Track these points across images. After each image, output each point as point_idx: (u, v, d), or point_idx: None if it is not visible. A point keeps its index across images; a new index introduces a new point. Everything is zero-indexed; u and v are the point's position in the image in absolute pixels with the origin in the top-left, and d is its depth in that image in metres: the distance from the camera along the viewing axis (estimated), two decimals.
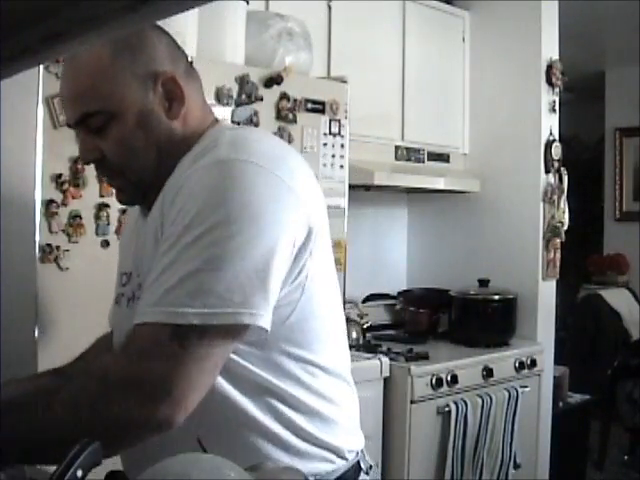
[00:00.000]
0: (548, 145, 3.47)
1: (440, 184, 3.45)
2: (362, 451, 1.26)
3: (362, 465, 1.24)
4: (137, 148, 1.14)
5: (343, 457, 1.19)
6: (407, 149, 3.42)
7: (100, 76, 1.11)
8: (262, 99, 2.37)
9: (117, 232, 2.03)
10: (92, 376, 1.04)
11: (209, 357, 1.00)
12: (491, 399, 3.00)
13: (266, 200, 1.03)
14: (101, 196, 2.01)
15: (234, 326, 1.00)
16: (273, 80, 2.39)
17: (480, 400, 2.96)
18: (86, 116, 1.12)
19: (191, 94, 1.17)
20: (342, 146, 2.60)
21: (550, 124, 3.50)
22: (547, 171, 3.48)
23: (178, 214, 1.04)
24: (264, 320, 1.02)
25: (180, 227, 1.02)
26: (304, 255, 1.08)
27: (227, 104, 2.28)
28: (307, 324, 1.12)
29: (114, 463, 1.22)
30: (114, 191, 1.24)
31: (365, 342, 3.19)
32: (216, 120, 1.23)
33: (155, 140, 1.14)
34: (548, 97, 3.50)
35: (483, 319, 3.37)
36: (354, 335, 3.15)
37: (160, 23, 1.16)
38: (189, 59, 1.25)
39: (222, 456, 1.08)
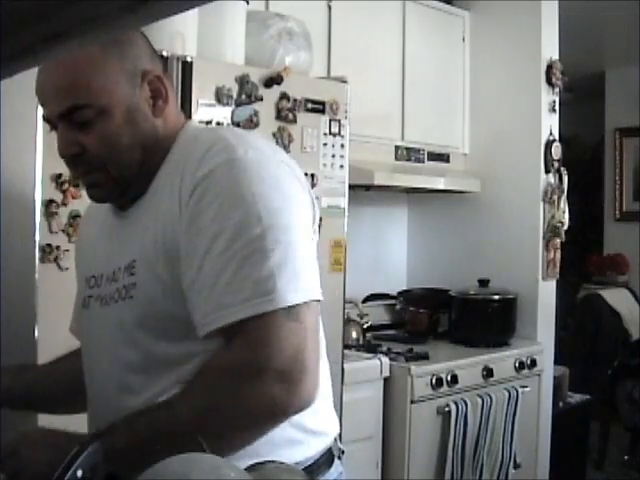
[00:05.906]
0: (548, 145, 3.48)
1: (440, 184, 3.45)
2: (335, 438, 1.27)
3: (334, 451, 1.25)
4: (123, 144, 1.14)
5: (322, 441, 1.21)
6: (407, 149, 3.42)
7: (92, 70, 1.11)
8: (262, 99, 2.36)
9: None
10: (214, 374, 1.04)
11: (317, 328, 1.09)
12: (491, 399, 3.00)
13: (289, 189, 1.12)
14: None
15: (316, 302, 1.09)
16: (273, 80, 2.39)
17: (480, 400, 2.96)
18: (73, 109, 1.12)
19: (170, 94, 1.20)
20: (342, 146, 2.60)
21: (550, 124, 3.50)
22: (547, 171, 3.48)
23: (214, 220, 1.05)
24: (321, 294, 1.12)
25: (231, 231, 1.04)
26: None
27: (227, 104, 2.28)
28: None
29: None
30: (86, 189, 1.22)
31: (365, 342, 3.19)
32: (185, 119, 1.26)
33: (141, 137, 1.15)
34: (548, 97, 3.50)
35: (483, 319, 3.37)
36: (354, 335, 3.14)
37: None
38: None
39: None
